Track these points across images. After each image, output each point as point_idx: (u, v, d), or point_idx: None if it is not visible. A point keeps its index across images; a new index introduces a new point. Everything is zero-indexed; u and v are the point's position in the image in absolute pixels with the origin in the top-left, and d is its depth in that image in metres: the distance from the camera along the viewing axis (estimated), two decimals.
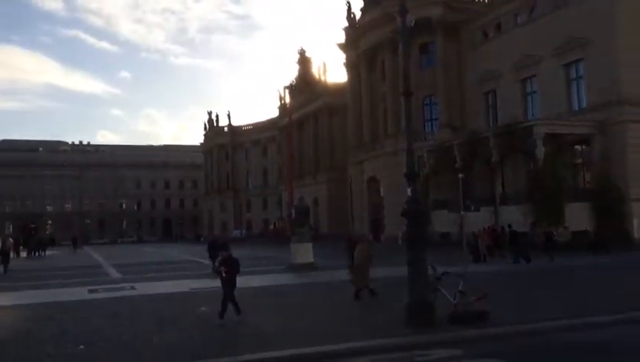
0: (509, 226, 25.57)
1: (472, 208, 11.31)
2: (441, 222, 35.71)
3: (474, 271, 15.18)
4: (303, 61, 77.04)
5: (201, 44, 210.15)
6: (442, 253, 19.02)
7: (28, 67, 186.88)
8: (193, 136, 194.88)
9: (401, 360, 8.05)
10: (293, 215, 25.93)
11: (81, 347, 9.01)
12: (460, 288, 10.16)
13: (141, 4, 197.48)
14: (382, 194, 50.08)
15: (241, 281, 18.31)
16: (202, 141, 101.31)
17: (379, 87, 52.21)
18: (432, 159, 39.75)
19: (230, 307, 10.77)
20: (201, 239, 74.13)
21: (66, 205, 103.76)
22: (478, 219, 25.62)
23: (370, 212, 52.72)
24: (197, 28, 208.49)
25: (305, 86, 73.41)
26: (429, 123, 48.70)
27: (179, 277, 21.23)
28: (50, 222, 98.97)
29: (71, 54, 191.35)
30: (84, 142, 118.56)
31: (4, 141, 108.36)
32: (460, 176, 12.19)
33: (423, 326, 9.42)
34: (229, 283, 10.91)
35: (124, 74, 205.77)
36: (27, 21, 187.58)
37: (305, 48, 78.38)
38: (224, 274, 10.90)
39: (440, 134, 44.49)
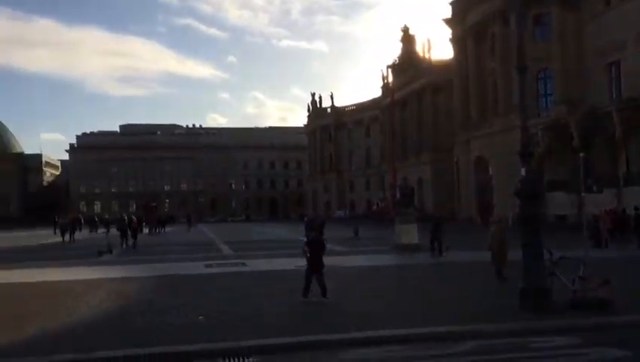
0: (636, 209, 23.53)
1: (595, 189, 10.44)
2: (557, 204, 33.68)
3: (595, 257, 14.19)
4: (407, 39, 75.49)
5: (304, 26, 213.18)
6: (558, 237, 17.98)
7: (146, 56, 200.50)
8: (297, 117, 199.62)
9: (515, 345, 7.71)
10: (397, 195, 25.66)
11: (201, 317, 9.58)
12: (581, 273, 9.53)
13: None
14: (491, 175, 48.18)
15: (345, 261, 18.71)
16: (306, 122, 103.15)
17: (487, 62, 49.95)
18: (547, 137, 37.47)
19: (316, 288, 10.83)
20: (305, 219, 75.87)
21: (182, 185, 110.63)
22: (599, 201, 23.82)
23: (477, 193, 50.97)
24: (300, 10, 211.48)
25: (408, 64, 72.01)
26: (543, 98, 45.86)
27: (285, 255, 21.84)
28: (167, 200, 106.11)
29: (184, 42, 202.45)
30: (197, 126, 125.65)
31: (127, 125, 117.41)
32: (581, 154, 11.29)
33: (539, 311, 8.97)
34: (313, 264, 10.92)
35: (232, 58, 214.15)
36: (144, 12, 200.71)
37: (409, 26, 76.75)
38: (308, 255, 10.99)
39: (555, 110, 41.77)
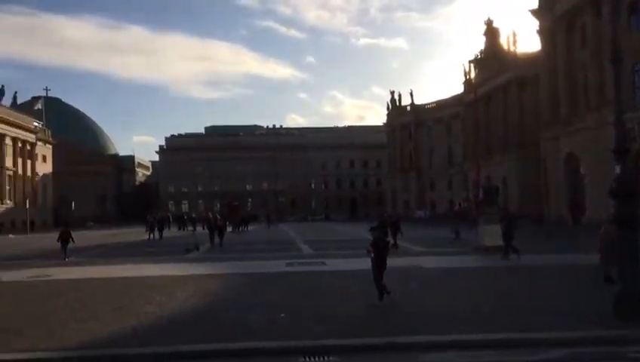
0: None
1: None
2: None
3: None
4: (490, 32, 72.97)
5: (382, 24, 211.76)
6: None
7: (228, 59, 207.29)
8: (376, 115, 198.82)
9: (610, 355, 7.26)
10: (481, 195, 24.88)
11: (282, 315, 9.79)
12: None
13: None
14: (582, 173, 45.59)
15: (423, 261, 18.41)
16: (385, 121, 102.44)
17: (578, 54, 47.26)
18: None
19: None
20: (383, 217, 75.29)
21: (263, 184, 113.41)
22: None
23: (567, 191, 48.40)
24: (378, 7, 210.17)
25: (492, 58, 69.59)
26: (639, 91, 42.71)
27: (364, 255, 21.86)
28: (250, 200, 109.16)
29: (264, 44, 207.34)
30: (277, 126, 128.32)
31: (211, 127, 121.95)
32: None
33: (635, 318, 8.37)
34: (376, 265, 10.68)
35: (310, 59, 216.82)
36: (226, 17, 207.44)
37: (492, 18, 74.11)
38: (372, 256, 10.76)
39: None
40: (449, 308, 10.25)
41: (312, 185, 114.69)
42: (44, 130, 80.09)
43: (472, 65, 72.06)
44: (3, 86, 70.59)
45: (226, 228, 30.55)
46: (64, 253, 21.85)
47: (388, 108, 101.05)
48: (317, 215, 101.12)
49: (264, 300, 11.48)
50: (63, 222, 28.77)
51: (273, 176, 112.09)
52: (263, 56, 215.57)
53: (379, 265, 10.64)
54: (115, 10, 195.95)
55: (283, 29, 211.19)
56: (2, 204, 63.67)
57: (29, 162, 72.14)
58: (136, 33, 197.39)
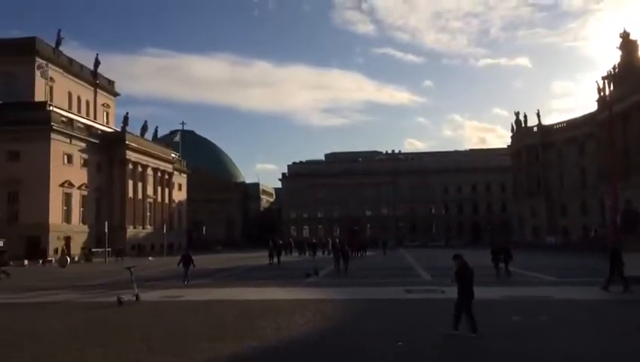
0: None
1: None
2: None
3: None
4: (627, 45, 67.37)
5: (504, 43, 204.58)
6: None
7: (347, 86, 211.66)
8: (498, 138, 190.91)
9: None
10: (619, 220, 22.80)
11: (400, 343, 9.62)
12: None
13: (443, 12, 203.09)
14: None
15: (551, 292, 17.11)
16: (509, 143, 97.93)
17: None
18: None
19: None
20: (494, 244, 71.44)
21: (382, 210, 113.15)
22: None
23: None
24: (500, 26, 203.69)
25: (629, 73, 64.04)
26: None
27: (483, 284, 20.90)
28: (369, 225, 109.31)
29: (381, 70, 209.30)
30: (396, 151, 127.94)
31: (331, 154, 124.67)
32: None
33: None
34: (462, 293, 10.07)
35: (428, 82, 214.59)
36: (344, 46, 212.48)
37: (629, 31, 68.47)
38: (455, 284, 10.28)
39: None
40: (568, 345, 9.41)
41: (433, 210, 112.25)
42: (180, 161, 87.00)
43: (606, 81, 66.82)
44: (146, 122, 78.06)
45: (349, 254, 30.26)
46: (185, 277, 22.67)
47: (512, 129, 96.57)
48: (437, 241, 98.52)
49: (382, 327, 11.37)
50: (184, 249, 30.41)
51: (392, 201, 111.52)
52: (381, 83, 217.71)
53: (465, 294, 10.10)
54: (242, 47, 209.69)
55: (400, 55, 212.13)
56: (144, 228, 69.74)
57: (166, 190, 78.51)
58: (260, 67, 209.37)
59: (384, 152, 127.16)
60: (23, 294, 20.01)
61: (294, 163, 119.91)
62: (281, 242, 50.73)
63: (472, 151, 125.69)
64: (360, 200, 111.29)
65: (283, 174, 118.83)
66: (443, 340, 9.91)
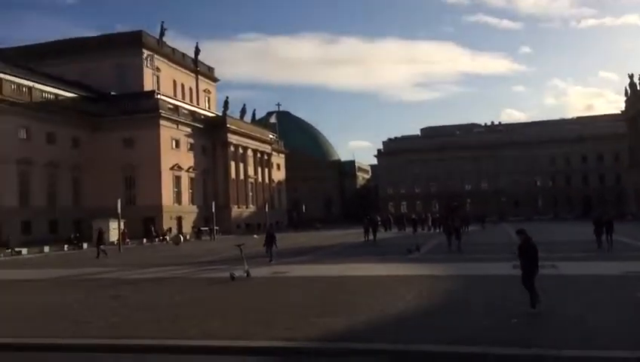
0: None
1: None
2: None
3: None
4: None
5: (609, 1, 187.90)
6: None
7: (438, 58, 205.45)
8: (608, 103, 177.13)
9: None
10: None
11: (514, 320, 9.40)
12: None
13: None
14: None
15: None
16: (623, 108, 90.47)
17: None
18: None
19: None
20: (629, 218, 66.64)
21: (482, 184, 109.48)
22: None
23: None
24: None
25: None
26: None
27: (603, 258, 19.79)
28: (469, 200, 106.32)
29: (474, 38, 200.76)
30: (493, 122, 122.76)
31: (427, 128, 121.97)
32: None
33: None
34: (524, 270, 9.98)
35: (526, 49, 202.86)
36: (433, 16, 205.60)
37: None
38: (519, 260, 10.18)
39: None
40: None
41: (538, 183, 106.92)
42: (278, 141, 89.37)
43: None
44: (244, 105, 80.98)
45: (461, 230, 28.47)
46: (270, 256, 22.46)
47: (626, 93, 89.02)
48: (543, 214, 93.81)
49: (490, 303, 11.14)
50: (267, 227, 30.65)
51: (493, 174, 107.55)
52: (474, 52, 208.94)
53: (528, 270, 10.01)
54: (330, 25, 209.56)
55: (494, 21, 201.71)
56: (247, 208, 72.74)
57: (266, 170, 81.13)
58: (349, 44, 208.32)
59: (483, 124, 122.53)
60: (143, 270, 21.73)
61: (390, 139, 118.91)
62: (378, 218, 50.84)
63: (580, 118, 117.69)
64: (459, 175, 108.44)
65: (378, 150, 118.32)
66: (558, 316, 9.54)
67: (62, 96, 55.98)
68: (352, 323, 9.72)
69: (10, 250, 36.06)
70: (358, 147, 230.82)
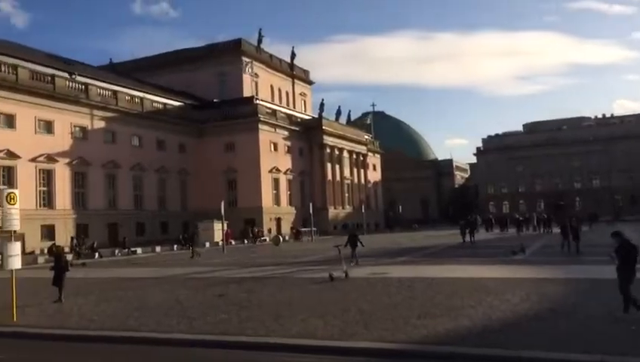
0: None
1: None
2: None
3: None
4: None
5: None
6: None
7: (539, 49, 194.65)
8: None
9: None
10: None
11: (634, 327, 8.67)
12: None
13: None
14: None
15: None
16: None
17: None
18: None
19: None
20: None
21: (594, 181, 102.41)
22: None
23: None
24: None
25: None
26: None
27: None
28: (578, 198, 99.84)
29: (581, 26, 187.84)
30: (604, 115, 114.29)
31: (530, 124, 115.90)
32: None
33: None
34: (620, 273, 9.49)
35: (638, 35, 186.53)
36: (532, 4, 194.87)
37: None
38: (616, 263, 9.63)
39: None
40: None
41: None
42: (373, 142, 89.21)
43: None
44: (340, 107, 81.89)
45: (579, 230, 26.11)
46: (354, 258, 21.27)
47: None
48: None
49: (605, 308, 10.33)
50: (350, 229, 29.90)
51: (605, 171, 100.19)
52: (581, 40, 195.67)
53: (625, 273, 9.51)
54: (423, 22, 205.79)
55: (604, 7, 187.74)
56: (343, 208, 73.25)
57: (362, 171, 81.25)
58: (444, 40, 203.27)
59: (592, 117, 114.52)
60: (246, 270, 22.53)
61: (489, 136, 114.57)
62: (479, 218, 49.14)
63: None
64: (566, 172, 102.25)
65: (478, 148, 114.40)
66: None
67: (169, 105, 59.59)
68: (455, 326, 9.43)
69: (126, 250, 38.94)
70: (455, 145, 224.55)
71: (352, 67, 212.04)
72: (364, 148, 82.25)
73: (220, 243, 40.58)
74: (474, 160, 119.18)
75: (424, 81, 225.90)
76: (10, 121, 41.76)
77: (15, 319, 11.77)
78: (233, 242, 47.43)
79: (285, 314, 11.18)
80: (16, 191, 12.78)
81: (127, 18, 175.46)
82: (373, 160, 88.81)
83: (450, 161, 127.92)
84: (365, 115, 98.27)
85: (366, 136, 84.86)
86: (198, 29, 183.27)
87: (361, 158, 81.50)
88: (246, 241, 50.13)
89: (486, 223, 51.69)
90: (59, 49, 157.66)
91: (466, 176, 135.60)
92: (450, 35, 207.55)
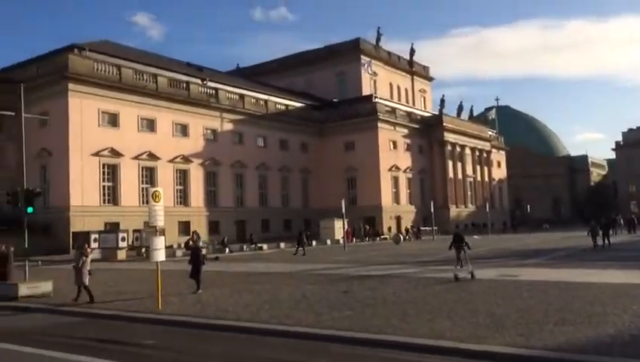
0: None
1: None
2: None
3: None
4: None
5: None
6: None
7: None
8: None
9: None
10: None
11: None
12: None
13: None
14: None
15: None
16: None
17: None
18: None
19: None
20: None
21: None
22: None
23: None
24: None
25: None
26: None
27: None
28: None
29: None
30: None
31: None
32: None
33: None
34: None
35: None
36: None
37: None
38: None
39: None
40: None
41: None
42: (497, 138, 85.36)
43: None
44: (461, 102, 79.46)
45: None
46: (458, 261, 17.90)
47: None
48: None
49: None
50: (455, 229, 27.30)
51: None
52: None
53: None
54: (551, 9, 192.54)
55: None
56: (466, 208, 70.95)
57: (485, 169, 78.12)
58: (575, 27, 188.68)
59: None
60: (368, 267, 22.68)
61: (630, 129, 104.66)
62: (619, 218, 45.18)
63: None
64: None
65: (617, 143, 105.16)
66: None
67: (291, 106, 61.60)
68: (597, 334, 8.74)
69: (253, 245, 40.92)
70: (590, 140, 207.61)
71: (473, 61, 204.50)
72: (487, 144, 79.00)
73: (341, 240, 41.20)
74: (612, 155, 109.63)
75: (553, 72, 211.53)
76: (151, 125, 45.71)
77: (160, 307, 12.87)
78: (354, 240, 47.91)
79: (411, 313, 11.08)
80: (160, 189, 13.97)
81: (249, 25, 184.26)
82: (498, 156, 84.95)
83: (584, 157, 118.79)
84: (488, 109, 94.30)
85: (489, 132, 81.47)
86: (316, 31, 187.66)
87: (485, 155, 78.36)
88: (367, 239, 50.43)
89: (629, 224, 47.30)
90: (191, 57, 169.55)
91: (604, 173, 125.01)
92: (581, 22, 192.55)
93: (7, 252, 17.54)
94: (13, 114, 25.25)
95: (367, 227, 53.57)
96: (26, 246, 18.63)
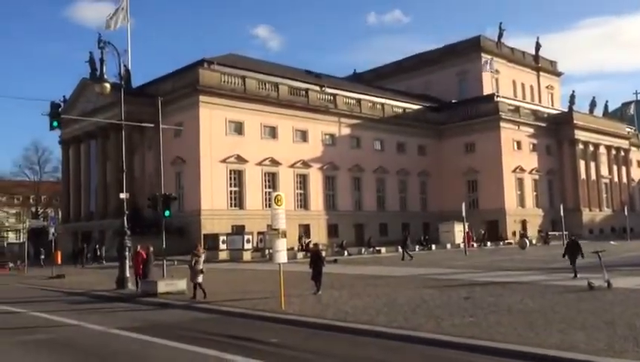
0: None
1: None
2: None
3: None
4: None
5: None
6: None
7: None
8: None
9: None
10: None
11: None
12: None
13: None
14: None
15: None
16: None
17: None
18: None
19: None
20: None
21: None
22: None
23: None
24: None
25: None
26: None
27: None
28: None
29: None
30: None
31: None
32: None
33: None
34: None
35: None
36: None
37: None
38: None
39: None
40: None
41: None
42: (637, 135, 77.95)
43: None
44: (594, 97, 73.63)
45: None
46: (574, 270, 18.63)
47: None
48: None
49: None
50: (569, 236, 24.82)
51: None
52: None
53: None
54: None
55: None
56: (600, 211, 65.51)
57: (623, 169, 71.67)
58: None
59: None
60: (491, 273, 21.79)
61: None
62: None
63: None
64: None
65: None
66: None
67: (409, 108, 60.97)
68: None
69: (371, 249, 41.08)
70: None
71: (606, 52, 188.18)
72: (625, 142, 72.37)
73: (461, 245, 39.98)
74: None
75: None
76: (273, 132, 47.71)
77: (283, 307, 13.38)
78: (475, 244, 46.27)
79: (539, 323, 10.48)
80: (282, 194, 14.56)
81: (364, 30, 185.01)
82: (638, 155, 77.46)
83: None
84: (626, 104, 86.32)
85: (627, 129, 74.62)
86: (432, 32, 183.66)
87: (622, 154, 71.86)
88: (489, 243, 48.50)
89: None
90: (309, 65, 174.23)
91: None
92: None
93: (148, 252, 19.31)
94: (152, 125, 27.61)
95: (482, 231, 51.50)
96: (164, 247, 20.33)
